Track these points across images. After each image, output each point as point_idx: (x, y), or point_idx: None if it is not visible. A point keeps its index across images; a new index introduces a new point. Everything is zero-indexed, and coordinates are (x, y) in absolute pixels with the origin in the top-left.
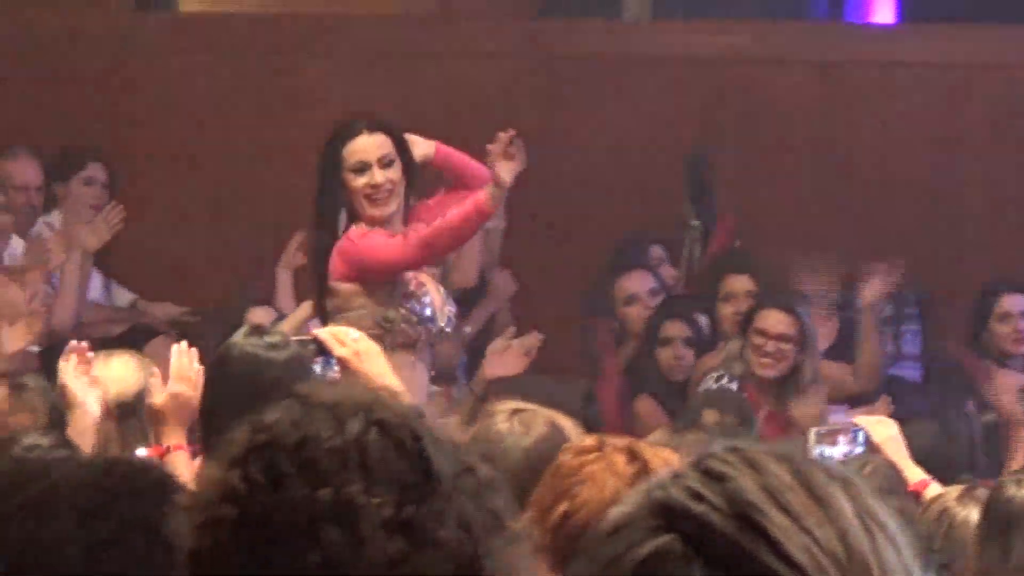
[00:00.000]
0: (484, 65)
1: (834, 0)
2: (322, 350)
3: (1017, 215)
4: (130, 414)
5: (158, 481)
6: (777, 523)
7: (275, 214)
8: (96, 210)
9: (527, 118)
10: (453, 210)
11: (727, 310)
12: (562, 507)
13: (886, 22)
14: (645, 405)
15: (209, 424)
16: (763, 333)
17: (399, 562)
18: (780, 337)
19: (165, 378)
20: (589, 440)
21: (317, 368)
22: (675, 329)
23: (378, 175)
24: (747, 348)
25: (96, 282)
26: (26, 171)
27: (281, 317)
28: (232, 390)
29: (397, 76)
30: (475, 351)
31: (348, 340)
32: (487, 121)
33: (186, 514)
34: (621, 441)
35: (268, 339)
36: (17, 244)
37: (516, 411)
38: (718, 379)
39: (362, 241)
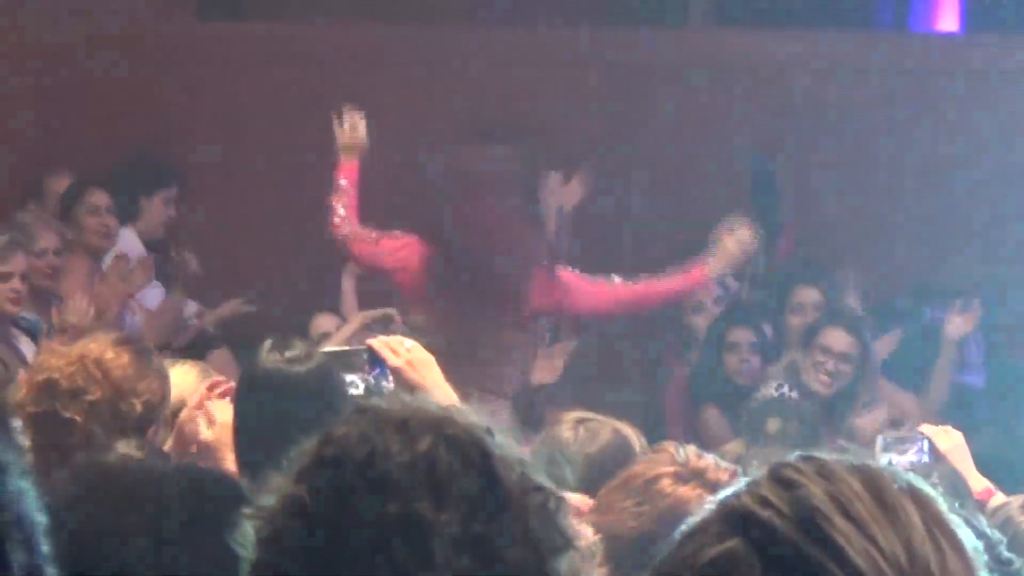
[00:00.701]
0: (550, 72)
1: (899, 9)
2: (375, 359)
3: None
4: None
5: (226, 487)
6: (841, 529)
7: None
8: (167, 227)
9: (592, 125)
10: (670, 279)
11: (795, 321)
12: None
13: (950, 30)
14: (711, 414)
15: (242, 442)
16: (826, 350)
17: None
18: (842, 356)
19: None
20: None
21: (370, 378)
22: (741, 335)
23: None
24: (807, 362)
25: (159, 293)
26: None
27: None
28: (258, 407)
29: (462, 84)
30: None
31: (402, 350)
32: (553, 128)
33: (251, 525)
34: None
35: (289, 353)
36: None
37: (582, 420)
38: (778, 387)
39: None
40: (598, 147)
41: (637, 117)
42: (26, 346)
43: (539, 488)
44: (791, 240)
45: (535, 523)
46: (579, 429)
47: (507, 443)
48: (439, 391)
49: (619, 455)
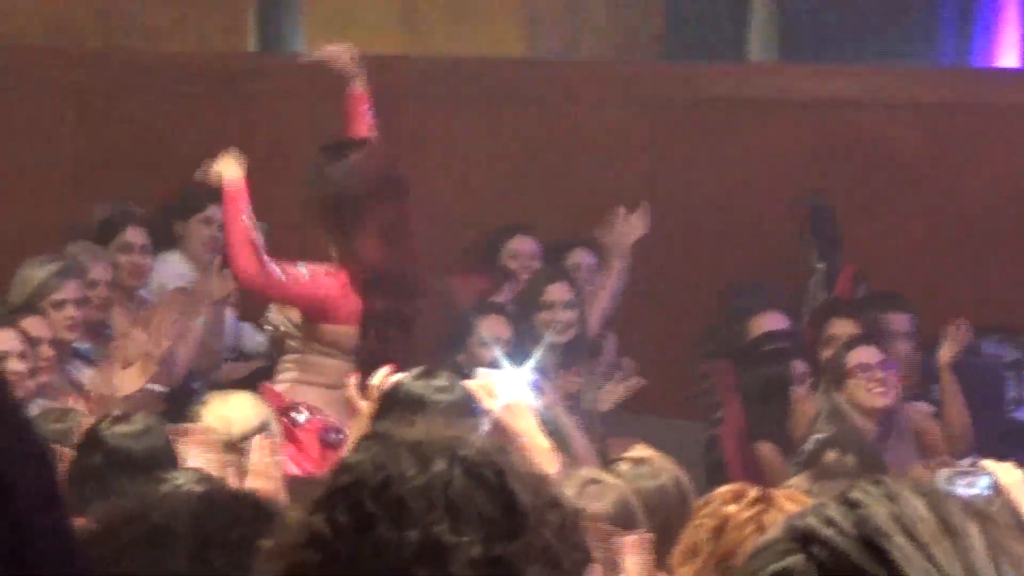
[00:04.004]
0: (608, 107)
1: (960, 44)
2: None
3: None
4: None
5: (257, 509)
6: (901, 548)
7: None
8: (213, 251)
9: (649, 161)
10: None
11: (826, 354)
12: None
13: (1012, 66)
14: (767, 449)
15: None
16: (865, 367)
17: None
18: (880, 364)
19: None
20: (752, 491)
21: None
22: (801, 368)
23: None
24: (851, 388)
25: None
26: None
27: None
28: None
29: (521, 119)
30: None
31: (497, 393)
32: (610, 164)
33: (269, 559)
34: (781, 492)
35: (436, 381)
36: (168, 271)
37: (640, 460)
38: (816, 440)
39: None
40: (656, 183)
41: (696, 153)
42: (82, 374)
43: (556, 504)
44: (849, 280)
45: (554, 540)
46: (640, 468)
47: (521, 460)
48: (533, 437)
49: (675, 498)
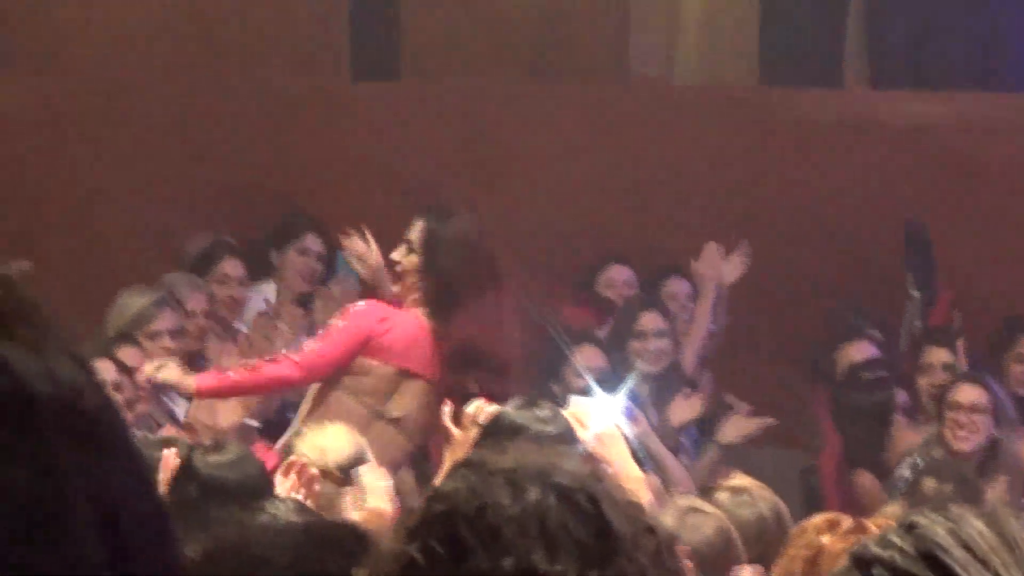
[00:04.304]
0: (703, 132)
1: None
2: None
3: None
4: (347, 481)
5: (355, 540)
6: (960, 560)
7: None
8: (309, 281)
9: (744, 185)
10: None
11: (923, 381)
12: None
13: None
14: (865, 478)
15: None
16: (957, 406)
17: None
18: (973, 408)
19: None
20: (845, 521)
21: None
22: (897, 398)
23: None
24: (945, 423)
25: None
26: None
27: None
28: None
29: (619, 143)
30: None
31: (589, 422)
32: (706, 188)
33: None
34: (875, 521)
35: (539, 412)
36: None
37: (739, 489)
38: (911, 466)
39: None
40: (752, 208)
41: (793, 178)
42: (178, 405)
43: (650, 530)
44: (945, 307)
45: (649, 566)
46: (741, 497)
47: (615, 486)
48: (625, 466)
49: (774, 527)
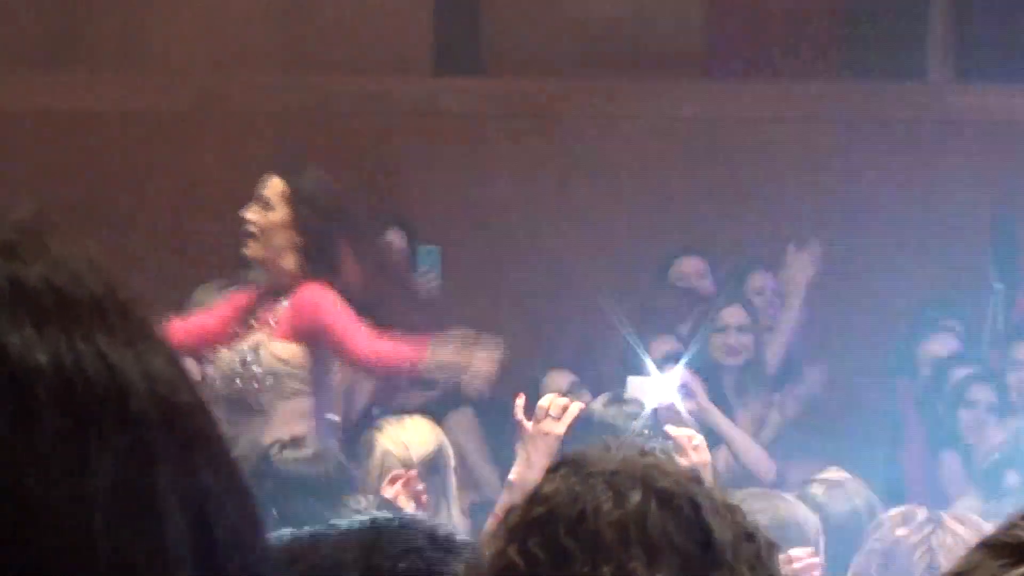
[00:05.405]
0: (783, 125)
1: None
2: None
3: None
4: (433, 471)
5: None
6: None
7: (570, 277)
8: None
9: (826, 178)
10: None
11: (1011, 379)
12: None
13: None
14: (947, 471)
15: None
16: None
17: None
18: None
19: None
20: (921, 513)
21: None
22: (982, 393)
23: None
24: None
25: None
26: None
27: (579, 381)
28: None
29: (693, 139)
30: None
31: (687, 444)
32: (787, 181)
33: None
34: (950, 514)
35: (627, 408)
36: None
37: (834, 483)
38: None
39: None
40: (833, 203)
41: (873, 172)
42: None
43: (751, 536)
44: None
45: (749, 573)
46: (832, 492)
47: (717, 490)
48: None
49: (868, 521)
